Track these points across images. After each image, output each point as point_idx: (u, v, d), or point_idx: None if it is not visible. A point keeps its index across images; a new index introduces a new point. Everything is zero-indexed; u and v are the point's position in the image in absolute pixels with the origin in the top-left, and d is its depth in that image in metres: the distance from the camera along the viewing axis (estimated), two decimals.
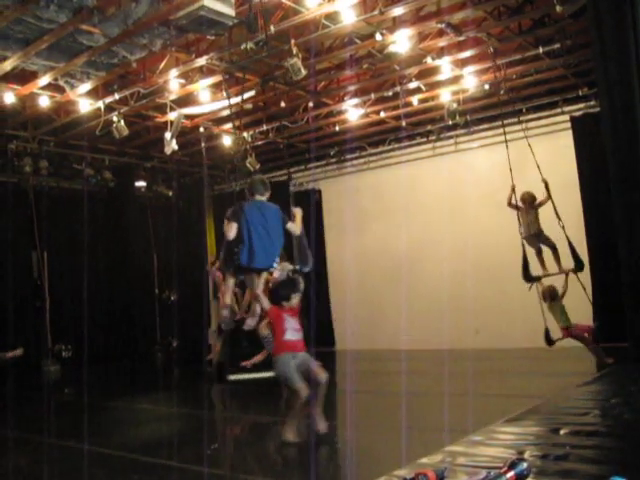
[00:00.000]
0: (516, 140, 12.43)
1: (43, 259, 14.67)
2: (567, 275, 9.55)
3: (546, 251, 9.76)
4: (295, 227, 6.75)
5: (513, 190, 9.75)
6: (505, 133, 9.92)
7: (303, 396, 6.23)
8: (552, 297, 9.46)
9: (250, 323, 6.83)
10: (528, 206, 9.72)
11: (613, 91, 6.84)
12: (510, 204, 9.79)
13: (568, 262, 9.58)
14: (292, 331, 6.45)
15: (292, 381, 6.27)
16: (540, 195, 9.73)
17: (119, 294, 15.64)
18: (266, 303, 6.56)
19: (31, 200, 14.35)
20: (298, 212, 6.94)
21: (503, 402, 7.95)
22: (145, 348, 16.07)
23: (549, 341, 9.41)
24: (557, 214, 9.56)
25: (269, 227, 6.48)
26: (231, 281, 6.74)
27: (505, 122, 12.90)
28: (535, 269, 9.62)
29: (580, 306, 11.89)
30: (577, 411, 5.58)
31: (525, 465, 3.54)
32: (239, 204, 6.57)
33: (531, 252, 9.68)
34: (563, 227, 9.48)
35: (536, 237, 9.70)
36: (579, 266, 9.46)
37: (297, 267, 6.82)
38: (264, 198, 6.72)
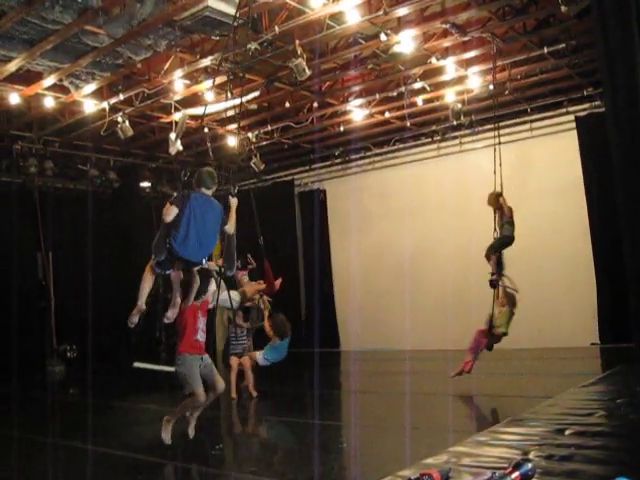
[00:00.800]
0: (521, 140, 12.49)
1: (48, 259, 14.69)
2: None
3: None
4: (230, 227, 6.49)
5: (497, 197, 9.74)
6: (499, 135, 9.87)
7: (200, 401, 6.17)
8: (514, 304, 9.52)
9: (170, 316, 6.69)
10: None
11: (618, 91, 6.82)
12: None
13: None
14: (202, 332, 6.37)
15: (194, 384, 6.15)
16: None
17: (123, 294, 15.64)
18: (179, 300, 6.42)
19: (36, 200, 14.36)
20: (234, 203, 6.65)
21: (508, 402, 7.95)
22: (150, 348, 16.07)
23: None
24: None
25: (208, 222, 6.24)
26: (150, 277, 6.57)
27: (510, 122, 12.94)
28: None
29: (584, 307, 11.92)
30: (582, 411, 5.57)
31: (530, 466, 3.53)
32: (186, 191, 6.39)
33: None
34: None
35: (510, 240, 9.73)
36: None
37: (222, 269, 6.63)
38: (210, 192, 6.48)
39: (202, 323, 6.37)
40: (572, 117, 12.72)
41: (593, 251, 12.12)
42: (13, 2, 7.51)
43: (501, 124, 13.09)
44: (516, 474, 3.43)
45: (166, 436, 6.21)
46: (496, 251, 9.41)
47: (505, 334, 9.45)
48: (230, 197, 6.66)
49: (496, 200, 9.66)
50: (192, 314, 6.36)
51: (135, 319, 6.37)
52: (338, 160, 16.23)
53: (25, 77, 10.14)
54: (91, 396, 9.74)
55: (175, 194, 6.52)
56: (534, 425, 5.26)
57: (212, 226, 6.28)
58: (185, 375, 6.19)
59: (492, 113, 13.30)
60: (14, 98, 10.55)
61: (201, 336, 6.32)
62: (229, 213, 6.50)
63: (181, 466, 5.86)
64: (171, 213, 6.05)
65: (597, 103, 12.18)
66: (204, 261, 6.36)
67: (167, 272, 6.43)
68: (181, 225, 6.04)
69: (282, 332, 9.00)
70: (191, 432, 6.34)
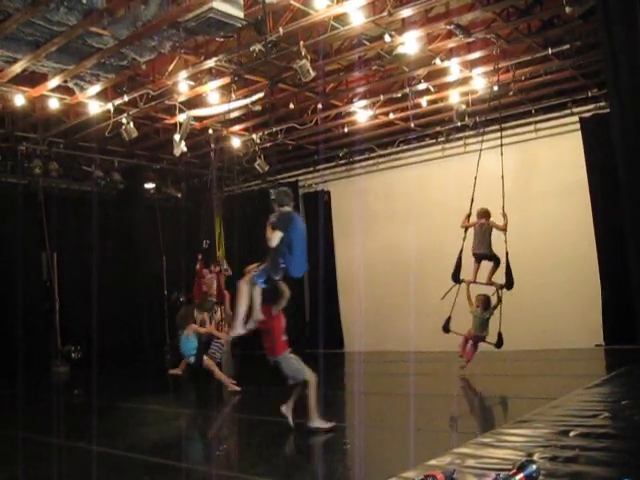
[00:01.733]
0: (526, 141, 12.47)
1: (53, 260, 14.71)
2: (498, 290, 10.01)
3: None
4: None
5: (468, 217, 10.31)
6: (502, 137, 10.05)
7: (314, 380, 6.74)
8: (485, 306, 9.98)
9: (252, 325, 6.88)
10: (482, 222, 10.11)
11: (622, 92, 6.80)
12: (464, 226, 10.32)
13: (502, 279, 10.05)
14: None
15: (303, 371, 6.78)
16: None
17: (128, 295, 15.67)
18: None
19: (41, 202, 14.37)
20: None
21: (512, 404, 7.94)
22: (154, 349, 16.08)
23: (446, 328, 10.28)
24: (505, 237, 9.96)
25: (303, 237, 6.74)
26: (248, 288, 6.74)
27: (514, 123, 12.93)
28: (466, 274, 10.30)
29: (588, 308, 11.89)
30: (587, 413, 5.57)
31: (534, 467, 3.54)
32: (288, 214, 6.78)
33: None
34: (506, 241, 9.92)
35: (483, 256, 10.17)
36: (508, 284, 9.98)
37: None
38: (290, 209, 6.89)
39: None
40: (577, 118, 12.70)
41: (597, 252, 12.09)
42: (18, 4, 7.52)
43: (505, 125, 13.12)
44: (520, 476, 3.43)
45: (323, 423, 6.69)
46: None
47: (477, 335, 10.04)
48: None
49: (487, 213, 10.17)
50: (279, 319, 6.92)
51: (243, 329, 6.76)
52: (342, 161, 16.22)
53: (30, 79, 10.17)
54: (96, 397, 9.75)
55: (273, 217, 6.77)
56: (538, 426, 5.26)
57: (304, 239, 6.78)
58: (294, 369, 6.79)
59: (496, 114, 13.37)
60: (19, 99, 10.57)
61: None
62: None
63: (185, 467, 5.86)
64: (276, 238, 6.49)
65: (602, 104, 12.15)
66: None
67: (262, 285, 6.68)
68: (291, 247, 6.52)
69: None
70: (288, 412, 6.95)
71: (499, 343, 9.94)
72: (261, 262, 6.71)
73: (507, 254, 9.92)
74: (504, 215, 9.91)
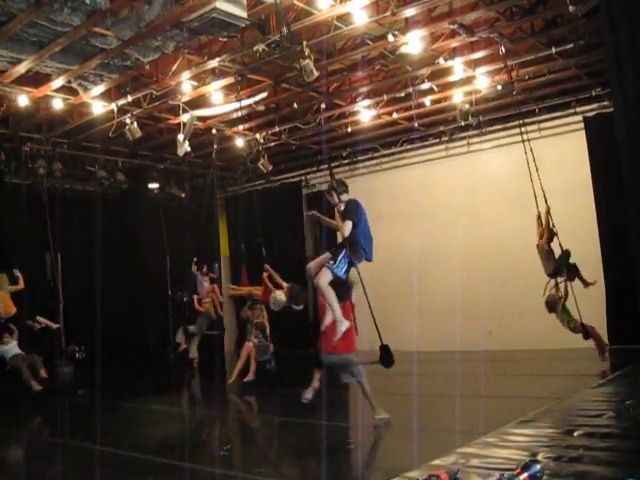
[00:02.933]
0: (528, 141, 12.36)
1: (57, 260, 14.71)
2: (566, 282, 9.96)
3: None
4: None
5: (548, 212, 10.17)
6: (522, 133, 9.92)
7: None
8: (550, 308, 9.91)
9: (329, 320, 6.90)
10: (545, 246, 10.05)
11: (626, 91, 6.79)
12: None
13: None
14: None
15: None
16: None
17: (132, 295, 15.68)
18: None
19: (45, 202, 14.37)
20: None
21: (516, 403, 7.93)
22: (158, 349, 16.09)
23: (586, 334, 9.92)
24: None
25: (368, 222, 6.94)
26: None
27: (517, 123, 12.89)
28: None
29: (593, 308, 11.85)
30: (591, 413, 5.56)
31: (539, 467, 3.53)
32: (354, 202, 6.96)
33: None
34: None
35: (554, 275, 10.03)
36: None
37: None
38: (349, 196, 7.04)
39: None
40: (580, 117, 12.68)
41: (601, 252, 12.07)
42: (22, 5, 7.53)
43: (509, 124, 13.11)
44: (525, 475, 3.43)
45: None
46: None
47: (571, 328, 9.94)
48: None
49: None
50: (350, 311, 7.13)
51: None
52: (346, 161, 16.22)
53: (34, 79, 10.18)
54: (100, 397, 9.76)
55: (343, 207, 6.92)
56: (543, 426, 5.26)
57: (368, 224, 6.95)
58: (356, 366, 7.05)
59: (500, 114, 13.37)
60: (23, 100, 10.59)
61: None
62: None
63: (189, 467, 5.87)
64: (348, 226, 6.65)
65: (605, 103, 12.14)
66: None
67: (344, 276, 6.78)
68: (364, 232, 6.76)
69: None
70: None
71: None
72: (331, 253, 6.65)
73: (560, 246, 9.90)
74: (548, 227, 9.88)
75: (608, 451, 4.25)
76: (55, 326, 10.74)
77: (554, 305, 9.88)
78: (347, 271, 6.60)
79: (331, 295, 6.53)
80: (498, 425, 5.60)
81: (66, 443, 7.29)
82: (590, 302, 12.01)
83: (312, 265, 6.80)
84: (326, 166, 16.24)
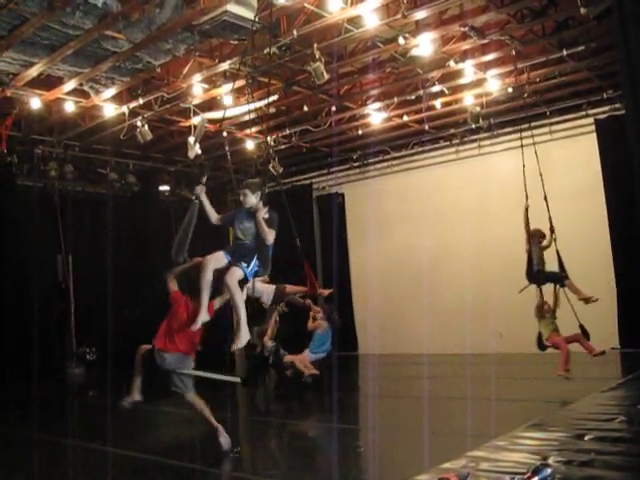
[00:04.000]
0: (540, 144, 12.33)
1: (68, 262, 14.78)
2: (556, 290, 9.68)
3: None
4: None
5: (527, 210, 9.70)
6: (533, 136, 9.87)
7: None
8: (541, 315, 9.63)
9: None
10: (537, 243, 9.76)
11: (638, 93, 6.76)
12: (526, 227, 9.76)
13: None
14: None
15: None
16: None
17: (143, 297, 15.71)
18: None
19: (56, 204, 14.44)
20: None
21: (527, 407, 7.90)
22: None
23: (542, 346, 9.56)
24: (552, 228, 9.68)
25: None
26: None
27: (528, 125, 12.84)
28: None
29: (604, 310, 11.81)
30: (602, 417, 5.54)
31: (549, 471, 3.52)
32: (277, 218, 6.61)
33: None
34: (555, 239, 9.65)
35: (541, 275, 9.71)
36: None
37: None
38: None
39: None
40: (592, 120, 12.64)
41: (613, 255, 12.02)
42: (35, 8, 7.58)
43: (520, 127, 13.07)
44: (535, 479, 3.41)
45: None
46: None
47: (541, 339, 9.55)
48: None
49: (542, 235, 9.78)
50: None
51: None
52: (356, 164, 16.22)
53: (46, 82, 10.23)
54: (110, 398, 9.78)
55: (266, 214, 6.54)
56: (553, 430, 5.24)
57: None
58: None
59: (511, 116, 13.33)
60: (35, 103, 10.63)
61: None
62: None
63: (200, 469, 5.88)
64: (273, 236, 6.41)
65: (617, 105, 12.09)
66: None
67: None
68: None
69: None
70: None
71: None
72: (241, 255, 6.49)
73: (555, 240, 9.71)
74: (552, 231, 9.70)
75: (619, 455, 4.23)
76: None
77: (538, 312, 9.65)
78: (253, 275, 6.51)
79: (239, 295, 6.44)
80: (508, 428, 5.59)
81: (76, 444, 7.31)
82: (601, 305, 11.96)
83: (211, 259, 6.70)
84: (337, 169, 16.25)
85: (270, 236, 6.36)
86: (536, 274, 9.52)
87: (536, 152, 9.78)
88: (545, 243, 9.71)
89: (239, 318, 6.37)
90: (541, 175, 9.72)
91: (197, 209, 6.66)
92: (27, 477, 6.10)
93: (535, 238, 9.67)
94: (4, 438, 8.10)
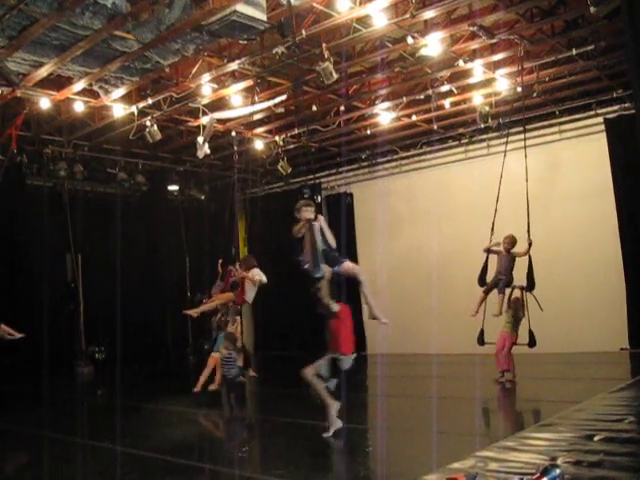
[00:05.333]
0: (549, 143, 12.36)
1: (77, 262, 14.85)
2: (522, 292, 9.96)
3: None
4: None
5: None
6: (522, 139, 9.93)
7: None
8: (521, 308, 9.88)
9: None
10: (507, 251, 10.02)
11: None
12: (487, 250, 10.16)
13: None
14: None
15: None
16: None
17: (152, 296, 15.77)
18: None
19: (66, 204, 14.54)
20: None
21: (536, 407, 7.89)
22: (177, 350, 16.18)
23: (481, 341, 10.08)
24: (529, 236, 9.95)
25: None
26: None
27: (538, 125, 12.84)
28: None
29: (613, 311, 11.79)
30: (611, 417, 5.52)
31: (558, 471, 3.51)
32: None
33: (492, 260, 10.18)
34: (530, 244, 9.87)
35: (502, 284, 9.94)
36: (530, 286, 9.86)
37: None
38: None
39: None
40: (601, 119, 12.59)
41: (622, 255, 11.97)
42: (45, 9, 7.61)
43: (529, 126, 13.03)
44: None
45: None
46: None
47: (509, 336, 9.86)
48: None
49: (514, 242, 10.05)
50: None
51: None
52: (365, 163, 16.23)
53: (56, 82, 10.28)
54: (119, 397, 9.82)
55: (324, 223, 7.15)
56: (562, 430, 5.22)
57: None
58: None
59: (520, 116, 13.28)
60: (45, 103, 10.68)
61: None
62: None
63: (208, 468, 5.89)
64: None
65: (627, 105, 12.04)
66: None
67: None
68: None
69: None
70: None
71: (532, 342, 9.83)
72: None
73: (529, 256, 9.80)
74: (530, 242, 9.85)
75: (629, 456, 4.22)
76: (18, 335, 10.05)
77: (523, 305, 9.95)
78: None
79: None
80: (517, 429, 5.58)
81: (85, 443, 7.33)
82: (610, 305, 11.95)
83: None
84: (346, 168, 16.25)
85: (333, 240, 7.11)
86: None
87: (526, 152, 9.87)
88: (519, 250, 9.93)
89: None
90: (527, 181, 9.90)
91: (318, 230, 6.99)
92: (36, 475, 6.13)
93: (506, 245, 9.97)
94: (13, 436, 8.13)
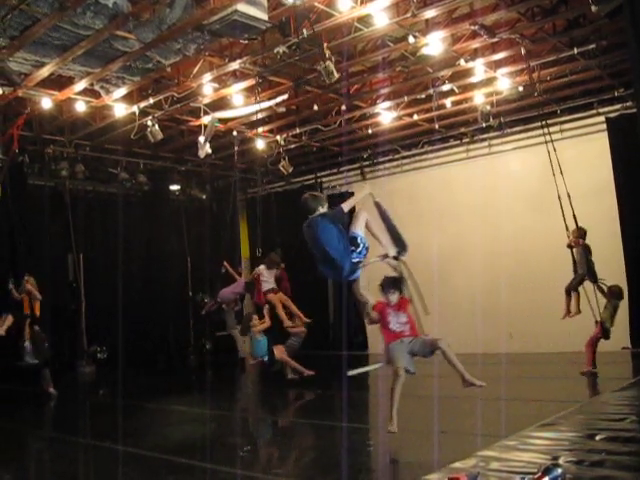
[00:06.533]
0: (552, 142, 12.27)
1: (79, 261, 14.86)
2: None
3: None
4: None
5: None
6: (548, 134, 9.86)
7: (400, 375, 6.61)
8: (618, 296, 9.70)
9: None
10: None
11: None
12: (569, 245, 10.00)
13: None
14: (396, 323, 7.03)
15: (396, 362, 6.74)
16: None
17: (153, 296, 15.77)
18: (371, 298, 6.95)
19: (67, 203, 14.55)
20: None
21: (537, 407, 7.88)
22: (179, 350, 16.19)
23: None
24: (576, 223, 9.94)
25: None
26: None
27: (539, 124, 12.80)
28: None
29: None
30: (613, 417, 5.52)
31: (560, 471, 3.51)
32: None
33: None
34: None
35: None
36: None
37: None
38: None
39: (394, 316, 7.13)
40: (603, 118, 12.58)
41: (624, 254, 11.96)
42: (46, 9, 7.61)
43: (530, 126, 13.03)
44: (546, 479, 3.41)
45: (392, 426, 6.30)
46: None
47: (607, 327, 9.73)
48: None
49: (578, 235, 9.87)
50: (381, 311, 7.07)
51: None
52: (366, 163, 16.22)
53: (57, 82, 10.29)
54: (121, 397, 9.82)
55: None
56: (564, 430, 5.22)
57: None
58: (391, 359, 6.88)
59: (521, 115, 13.29)
60: (46, 103, 10.69)
61: (396, 326, 7.11)
62: None
63: (210, 467, 5.89)
64: None
65: (628, 104, 12.02)
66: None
67: None
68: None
69: None
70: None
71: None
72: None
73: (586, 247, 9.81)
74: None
75: (630, 456, 4.22)
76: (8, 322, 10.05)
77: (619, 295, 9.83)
78: None
79: None
80: (519, 428, 5.58)
81: (87, 442, 7.34)
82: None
83: None
84: (346, 168, 16.25)
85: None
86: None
87: (554, 146, 9.77)
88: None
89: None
90: (561, 171, 9.70)
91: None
92: (38, 475, 6.13)
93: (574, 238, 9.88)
94: (15, 435, 8.14)
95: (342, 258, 6.41)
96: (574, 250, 9.96)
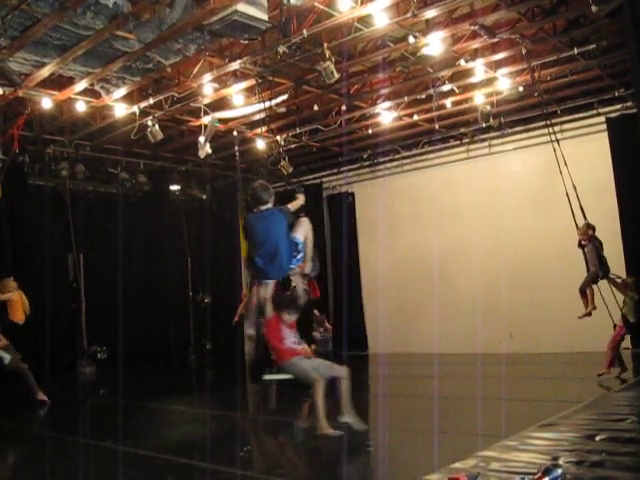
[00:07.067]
0: (550, 142, 12.27)
1: (79, 261, 14.86)
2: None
3: None
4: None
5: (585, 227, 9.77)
6: (553, 133, 9.81)
7: (320, 383, 6.29)
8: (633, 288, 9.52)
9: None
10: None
11: None
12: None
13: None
14: (289, 341, 6.54)
15: (309, 376, 6.37)
16: None
17: (153, 296, 15.77)
18: (269, 311, 6.57)
19: (67, 203, 14.55)
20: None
21: (537, 407, 7.88)
22: (179, 350, 16.19)
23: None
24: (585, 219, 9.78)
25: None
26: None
27: (540, 124, 12.81)
28: None
29: (616, 310, 11.74)
30: (613, 417, 5.52)
31: (560, 471, 3.51)
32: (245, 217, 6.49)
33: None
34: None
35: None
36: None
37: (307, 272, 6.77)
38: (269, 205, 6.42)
39: (289, 334, 6.59)
40: (603, 118, 12.59)
41: (624, 253, 11.96)
42: (47, 9, 7.61)
43: (531, 126, 13.03)
44: None
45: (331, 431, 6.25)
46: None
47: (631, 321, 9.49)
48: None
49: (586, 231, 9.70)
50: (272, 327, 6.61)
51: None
52: (367, 163, 16.22)
53: (57, 82, 10.29)
54: (121, 397, 9.82)
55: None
56: (564, 430, 5.22)
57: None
58: (297, 375, 6.51)
59: (521, 115, 13.28)
60: (46, 103, 10.69)
61: (290, 343, 6.56)
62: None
63: (210, 467, 5.89)
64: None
65: (629, 104, 12.03)
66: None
67: None
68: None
69: None
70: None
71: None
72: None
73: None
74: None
75: (630, 456, 4.22)
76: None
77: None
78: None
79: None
80: (519, 428, 5.57)
81: (87, 442, 7.33)
82: (612, 305, 11.91)
83: None
84: (347, 168, 16.26)
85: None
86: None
87: (559, 143, 9.73)
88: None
89: None
90: (567, 167, 9.64)
91: None
92: (38, 475, 6.13)
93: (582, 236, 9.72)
94: (15, 436, 8.14)
95: (288, 257, 6.23)
96: (585, 249, 9.86)
